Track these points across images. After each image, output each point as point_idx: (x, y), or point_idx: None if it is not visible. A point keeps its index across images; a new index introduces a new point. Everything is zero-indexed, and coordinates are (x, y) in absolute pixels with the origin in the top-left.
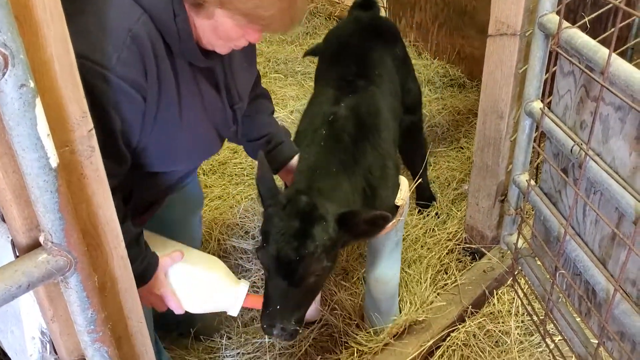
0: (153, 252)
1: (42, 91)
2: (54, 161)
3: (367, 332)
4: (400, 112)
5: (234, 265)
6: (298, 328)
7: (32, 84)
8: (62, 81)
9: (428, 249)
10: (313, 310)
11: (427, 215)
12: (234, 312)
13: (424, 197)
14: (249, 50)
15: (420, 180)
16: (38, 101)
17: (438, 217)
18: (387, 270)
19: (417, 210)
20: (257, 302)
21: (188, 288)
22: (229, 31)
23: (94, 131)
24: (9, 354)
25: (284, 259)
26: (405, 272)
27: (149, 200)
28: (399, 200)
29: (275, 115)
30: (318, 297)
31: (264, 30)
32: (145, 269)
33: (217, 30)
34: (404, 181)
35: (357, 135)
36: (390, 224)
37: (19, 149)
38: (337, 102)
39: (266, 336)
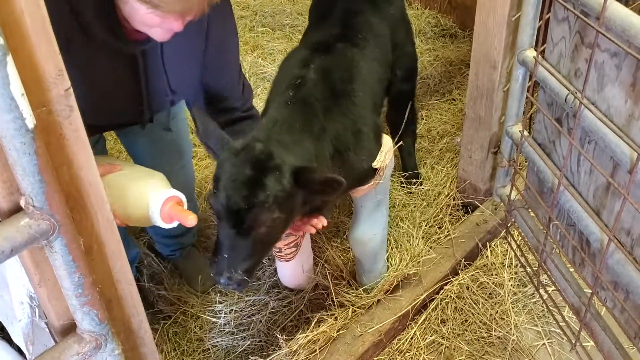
0: None
1: (13, 49)
2: (30, 122)
3: (358, 290)
4: (387, 77)
5: None
6: (247, 278)
7: (1, 41)
8: (34, 38)
9: (421, 203)
10: (303, 278)
11: (419, 167)
12: (157, 221)
13: (407, 170)
14: (215, 52)
15: (401, 143)
16: (10, 59)
17: (432, 167)
18: (366, 231)
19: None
20: (179, 216)
21: (113, 196)
22: (143, 17)
23: (71, 90)
24: (0, 319)
25: (233, 207)
26: (396, 228)
27: None
28: (377, 163)
29: (263, 70)
30: (309, 265)
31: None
32: None
33: (134, 16)
34: (385, 143)
35: (327, 101)
36: (367, 186)
37: None
38: (307, 65)
39: (259, 294)
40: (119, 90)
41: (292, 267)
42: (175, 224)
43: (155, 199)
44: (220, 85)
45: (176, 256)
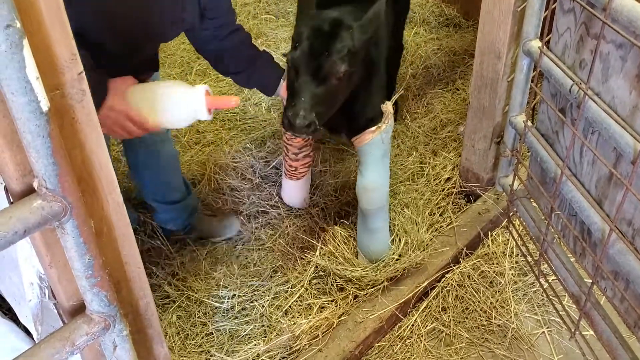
0: (102, 73)
1: (29, 33)
2: (44, 105)
3: (365, 273)
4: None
5: (231, 202)
6: (317, 123)
7: (18, 25)
8: (49, 22)
9: (424, 191)
10: (306, 198)
11: (422, 156)
12: (202, 114)
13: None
14: None
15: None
16: (25, 42)
17: (435, 155)
18: (374, 179)
19: (413, 156)
20: (222, 102)
21: (148, 101)
22: None
23: (84, 74)
24: (8, 300)
25: (314, 55)
26: (401, 213)
27: None
28: (388, 105)
29: None
30: (308, 188)
31: None
32: (98, 83)
33: None
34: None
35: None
36: (376, 127)
37: (8, 92)
38: None
39: (261, 280)
40: (137, 17)
41: (300, 186)
42: (212, 116)
43: (195, 95)
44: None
45: (190, 223)
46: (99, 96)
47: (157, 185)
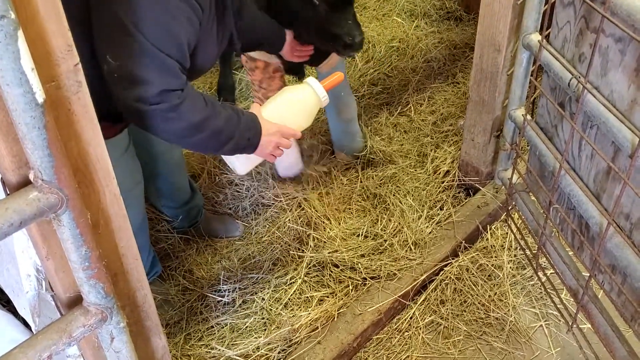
0: (239, 108)
1: (23, 24)
2: (40, 96)
3: (366, 268)
4: None
5: (231, 196)
6: None
7: (12, 15)
8: (44, 13)
9: (424, 183)
10: (299, 167)
11: (421, 150)
12: (325, 102)
13: None
14: None
15: None
16: (20, 33)
17: (436, 148)
18: (347, 92)
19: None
20: (332, 82)
21: (286, 114)
22: None
23: (80, 65)
24: (6, 291)
25: None
26: (404, 200)
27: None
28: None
29: None
30: (298, 154)
31: None
32: (252, 120)
33: None
34: None
35: None
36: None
37: (3, 84)
38: None
39: (261, 273)
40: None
41: (291, 155)
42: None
43: (315, 89)
44: None
45: (199, 221)
46: (256, 128)
47: (164, 189)
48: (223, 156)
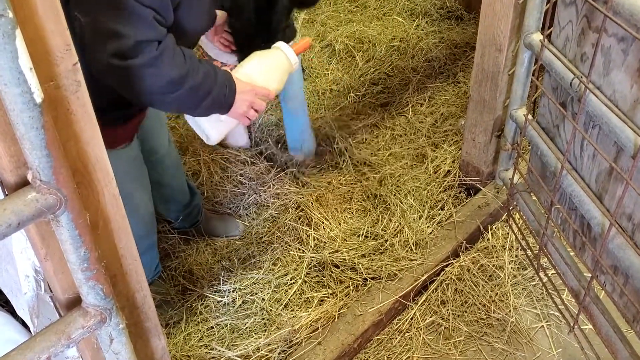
0: (215, 66)
1: (21, 23)
2: (38, 96)
3: (366, 269)
4: None
5: (231, 195)
6: None
7: (10, 14)
8: (42, 12)
9: (424, 183)
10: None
11: (421, 149)
12: (295, 65)
13: None
14: None
15: None
16: (18, 32)
17: (436, 148)
18: (301, 84)
19: (413, 154)
20: (301, 47)
21: (258, 77)
22: None
23: (79, 65)
24: (5, 292)
25: None
26: (405, 200)
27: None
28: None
29: None
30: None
31: None
32: (227, 77)
33: None
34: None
35: None
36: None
37: (0, 83)
38: None
39: (261, 273)
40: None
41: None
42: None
43: (286, 52)
44: None
45: (199, 221)
46: (232, 85)
47: (164, 194)
48: (193, 124)
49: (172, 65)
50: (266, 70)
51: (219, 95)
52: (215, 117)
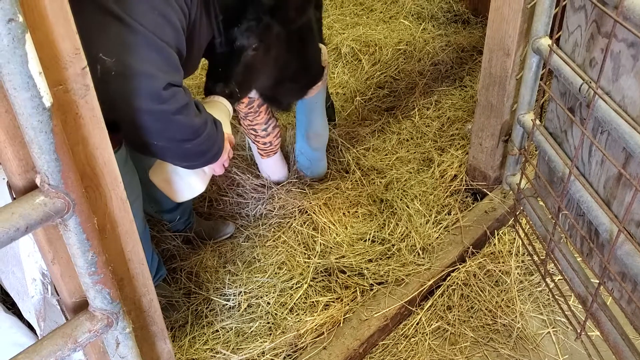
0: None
1: (31, 27)
2: (47, 100)
3: (373, 274)
4: None
5: (235, 199)
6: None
7: (20, 19)
8: (52, 16)
9: (432, 188)
10: (284, 170)
11: (428, 154)
12: (232, 111)
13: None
14: None
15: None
16: (28, 37)
17: (442, 152)
18: (323, 124)
19: (420, 158)
20: None
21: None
22: None
23: (87, 69)
24: (11, 295)
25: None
26: (411, 204)
27: None
28: (324, 62)
29: None
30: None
31: None
32: (213, 120)
33: None
34: (322, 47)
35: None
36: (320, 83)
37: (10, 87)
38: None
39: (266, 276)
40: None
41: (280, 157)
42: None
43: (223, 100)
44: None
45: (191, 223)
46: (221, 134)
47: (154, 194)
48: (177, 180)
49: (196, 113)
50: (223, 118)
51: (220, 141)
52: (200, 169)
